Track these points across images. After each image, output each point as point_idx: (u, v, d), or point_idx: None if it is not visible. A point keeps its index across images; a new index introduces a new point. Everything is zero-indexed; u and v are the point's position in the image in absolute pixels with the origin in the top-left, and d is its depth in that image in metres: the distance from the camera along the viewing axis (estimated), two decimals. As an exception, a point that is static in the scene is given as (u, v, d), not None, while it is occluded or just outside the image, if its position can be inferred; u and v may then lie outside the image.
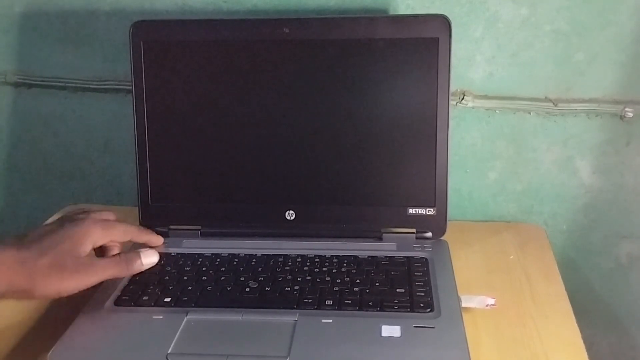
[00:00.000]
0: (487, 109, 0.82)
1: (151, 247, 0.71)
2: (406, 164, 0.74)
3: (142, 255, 0.66)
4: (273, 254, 0.71)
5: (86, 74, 0.87)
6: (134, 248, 0.69)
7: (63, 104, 0.89)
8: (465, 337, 0.57)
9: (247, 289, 0.65)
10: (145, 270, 0.67)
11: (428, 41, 0.71)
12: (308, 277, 0.67)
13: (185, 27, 0.74)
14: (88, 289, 0.62)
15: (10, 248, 0.59)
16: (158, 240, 0.73)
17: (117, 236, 0.67)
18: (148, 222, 0.76)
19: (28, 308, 0.68)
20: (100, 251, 0.67)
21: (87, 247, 0.62)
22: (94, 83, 0.87)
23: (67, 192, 0.94)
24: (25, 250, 0.59)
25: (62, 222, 0.64)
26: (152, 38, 0.74)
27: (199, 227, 0.76)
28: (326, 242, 0.73)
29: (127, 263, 0.65)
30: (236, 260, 0.70)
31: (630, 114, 0.79)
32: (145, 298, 0.64)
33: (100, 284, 0.64)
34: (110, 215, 0.70)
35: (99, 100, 0.88)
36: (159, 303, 0.63)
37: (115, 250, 0.68)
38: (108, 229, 0.65)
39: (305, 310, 0.61)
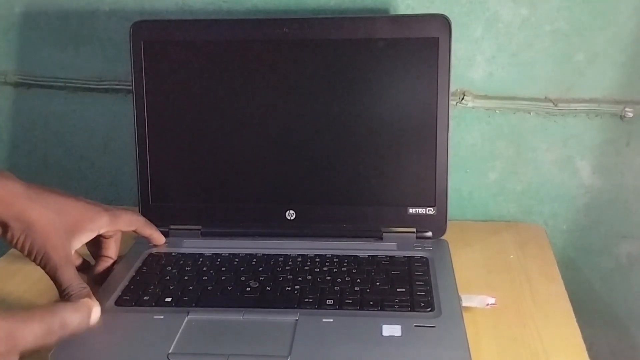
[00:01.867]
0: (487, 109, 0.82)
1: (153, 244, 0.73)
2: (406, 163, 0.74)
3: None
4: (273, 254, 0.71)
5: (86, 74, 0.87)
6: (137, 240, 0.71)
7: (63, 104, 0.89)
8: (466, 337, 0.57)
9: (248, 289, 0.65)
10: (144, 272, 0.68)
11: (428, 41, 0.71)
12: (308, 277, 0.67)
13: (185, 27, 0.75)
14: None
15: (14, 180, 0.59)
16: (160, 238, 0.73)
17: (123, 225, 0.67)
18: (148, 222, 0.76)
19: (28, 307, 0.67)
20: (97, 243, 0.67)
21: (84, 236, 0.62)
22: (94, 83, 0.87)
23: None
24: (35, 192, 0.59)
25: (79, 197, 0.65)
26: (152, 38, 0.74)
27: (200, 227, 0.76)
28: (326, 241, 0.73)
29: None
30: (237, 260, 0.70)
31: (630, 114, 0.79)
32: (145, 298, 0.64)
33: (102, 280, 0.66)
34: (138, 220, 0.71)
35: (99, 100, 0.88)
36: (159, 303, 0.63)
37: (111, 251, 0.69)
38: (116, 217, 0.66)
39: (305, 310, 0.61)
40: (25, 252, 0.59)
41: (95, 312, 0.53)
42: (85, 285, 0.59)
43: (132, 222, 0.69)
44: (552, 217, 0.86)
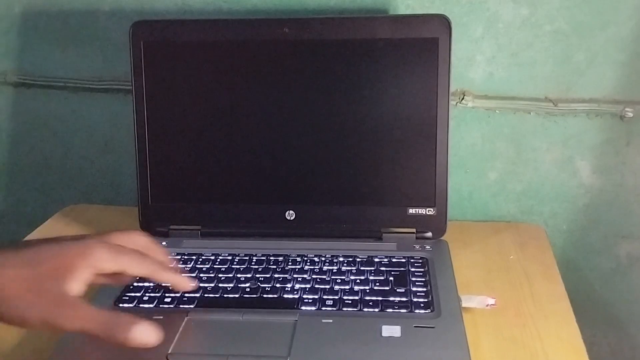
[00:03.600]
0: (487, 109, 0.82)
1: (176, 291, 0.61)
2: (406, 164, 0.74)
3: (136, 329, 0.49)
4: (273, 254, 0.71)
5: (86, 74, 0.87)
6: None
7: (63, 104, 0.89)
8: (466, 337, 0.57)
9: (247, 289, 0.65)
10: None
11: (428, 41, 0.71)
12: (308, 278, 0.67)
13: (185, 27, 0.74)
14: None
15: None
16: (185, 284, 0.58)
17: (129, 268, 0.52)
18: (148, 222, 0.76)
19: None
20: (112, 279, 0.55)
21: (81, 275, 0.49)
22: (94, 83, 0.87)
23: (67, 192, 0.94)
24: (4, 255, 0.48)
25: (65, 237, 0.52)
26: (152, 38, 0.74)
27: (199, 227, 0.76)
28: (326, 242, 0.73)
29: (114, 330, 0.48)
30: (236, 260, 0.70)
31: (630, 114, 0.79)
32: (145, 298, 0.64)
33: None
34: (140, 239, 0.56)
35: (99, 100, 0.88)
36: (159, 303, 0.63)
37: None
38: (118, 255, 0.51)
39: (305, 311, 0.61)
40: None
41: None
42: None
43: (142, 265, 0.54)
44: (552, 217, 0.86)
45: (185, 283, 0.58)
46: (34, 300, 0.47)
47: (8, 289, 0.47)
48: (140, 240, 0.56)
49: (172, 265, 0.58)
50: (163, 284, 0.61)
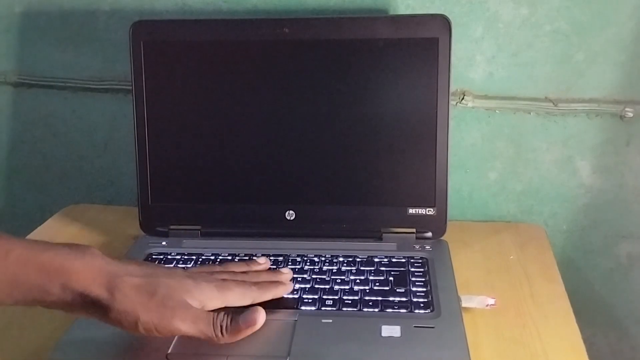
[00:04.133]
0: (487, 109, 0.82)
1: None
2: (406, 164, 0.74)
3: (241, 317, 0.55)
4: (273, 254, 0.71)
5: (86, 74, 0.87)
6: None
7: (63, 104, 0.90)
8: (465, 337, 0.57)
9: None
10: None
11: (428, 41, 0.71)
12: (308, 278, 0.67)
13: (185, 27, 0.75)
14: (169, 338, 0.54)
15: (100, 258, 0.52)
16: (285, 288, 0.62)
17: (233, 303, 0.56)
18: (148, 222, 0.76)
19: (28, 308, 0.68)
20: None
21: (191, 303, 0.53)
22: (94, 83, 0.87)
23: (67, 192, 0.94)
24: (115, 265, 0.52)
25: (172, 268, 0.58)
26: (152, 38, 0.74)
27: (199, 227, 0.76)
28: (326, 242, 0.73)
29: (224, 329, 0.54)
30: (236, 260, 0.70)
31: (630, 114, 0.79)
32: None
33: None
34: (241, 266, 0.63)
35: (99, 100, 0.88)
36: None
37: None
38: (223, 292, 0.55)
39: (305, 310, 0.61)
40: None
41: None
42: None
43: (244, 295, 0.57)
44: (552, 217, 0.86)
45: (286, 289, 0.62)
46: (149, 305, 0.51)
47: (124, 294, 0.50)
48: (236, 266, 0.63)
49: (269, 279, 0.62)
50: None
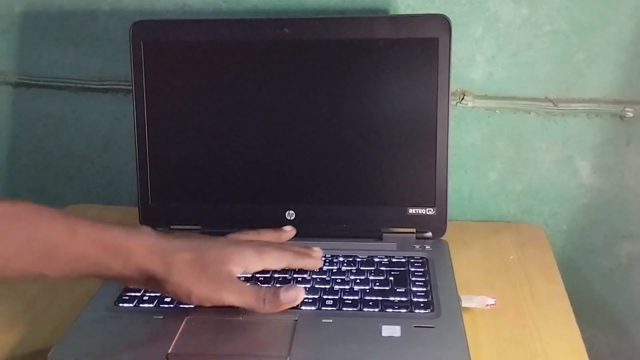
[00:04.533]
0: (487, 109, 0.82)
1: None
2: (406, 164, 0.74)
3: (281, 292, 0.59)
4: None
5: (86, 74, 0.87)
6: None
7: (63, 104, 0.89)
8: (465, 337, 0.57)
9: (247, 289, 0.65)
10: None
11: (428, 41, 0.71)
12: (308, 277, 0.67)
13: (185, 27, 0.75)
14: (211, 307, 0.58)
15: (153, 235, 0.57)
16: (316, 262, 0.67)
17: (271, 266, 0.62)
18: (148, 222, 0.76)
19: (28, 308, 0.68)
20: None
21: (236, 267, 0.58)
22: (94, 83, 0.87)
23: (67, 192, 0.94)
24: (168, 241, 0.57)
25: (219, 237, 0.62)
26: (152, 38, 0.74)
27: (199, 227, 0.76)
28: (326, 242, 0.73)
29: (266, 302, 0.58)
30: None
31: (630, 114, 0.79)
32: (145, 298, 0.64)
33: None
34: (271, 236, 0.69)
35: (99, 100, 0.88)
36: (159, 303, 0.63)
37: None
38: (262, 256, 0.61)
39: (305, 310, 0.61)
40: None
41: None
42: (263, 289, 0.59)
43: (281, 259, 0.63)
44: (552, 217, 0.86)
45: (316, 263, 0.67)
46: (201, 278, 0.56)
47: (179, 269, 0.55)
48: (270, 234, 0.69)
49: (302, 250, 0.67)
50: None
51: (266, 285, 0.62)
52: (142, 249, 0.55)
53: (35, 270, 0.52)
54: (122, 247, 0.54)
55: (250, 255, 0.60)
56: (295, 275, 0.67)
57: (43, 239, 0.52)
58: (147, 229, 0.57)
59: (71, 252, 0.53)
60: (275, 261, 0.63)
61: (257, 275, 0.66)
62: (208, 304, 0.57)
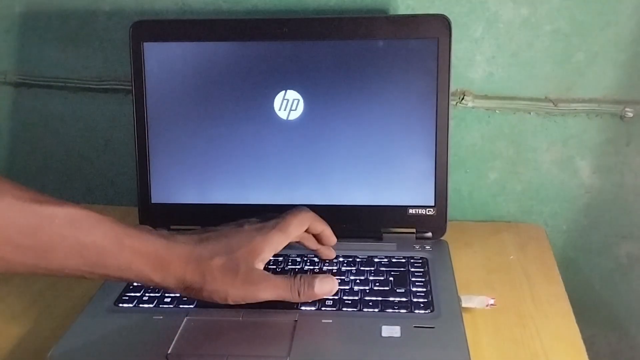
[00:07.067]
0: (487, 109, 0.82)
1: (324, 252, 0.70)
2: (406, 164, 0.74)
3: (316, 284, 0.60)
4: (273, 254, 0.71)
5: (86, 74, 0.87)
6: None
7: (63, 104, 0.90)
8: (465, 337, 0.57)
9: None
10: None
11: (428, 41, 0.71)
12: (335, 269, 0.67)
13: (185, 27, 0.74)
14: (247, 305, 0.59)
15: (186, 244, 0.58)
16: (332, 253, 0.70)
17: (295, 234, 0.63)
18: (148, 222, 0.76)
19: (28, 308, 0.68)
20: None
21: (266, 255, 0.60)
22: (94, 83, 0.88)
23: (67, 192, 0.94)
24: (201, 248, 0.58)
25: (242, 224, 0.62)
26: (152, 38, 0.74)
27: (199, 227, 0.76)
28: (326, 242, 0.73)
29: (300, 291, 0.60)
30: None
31: (630, 114, 0.79)
32: (145, 298, 0.64)
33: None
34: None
35: (99, 100, 0.88)
36: (159, 303, 0.63)
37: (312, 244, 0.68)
38: (286, 231, 0.62)
39: (305, 311, 0.61)
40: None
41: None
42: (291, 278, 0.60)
43: (302, 221, 0.64)
44: (552, 217, 0.86)
45: (332, 252, 0.70)
46: (235, 282, 0.57)
47: (213, 276, 0.57)
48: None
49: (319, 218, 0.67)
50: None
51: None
52: (179, 260, 0.56)
53: (79, 273, 0.54)
54: (164, 260, 0.56)
55: (276, 237, 0.61)
56: (325, 268, 0.68)
57: (94, 247, 0.53)
58: (180, 238, 0.58)
59: (117, 262, 0.54)
60: (297, 227, 0.63)
61: (290, 266, 0.69)
62: (244, 303, 0.58)
